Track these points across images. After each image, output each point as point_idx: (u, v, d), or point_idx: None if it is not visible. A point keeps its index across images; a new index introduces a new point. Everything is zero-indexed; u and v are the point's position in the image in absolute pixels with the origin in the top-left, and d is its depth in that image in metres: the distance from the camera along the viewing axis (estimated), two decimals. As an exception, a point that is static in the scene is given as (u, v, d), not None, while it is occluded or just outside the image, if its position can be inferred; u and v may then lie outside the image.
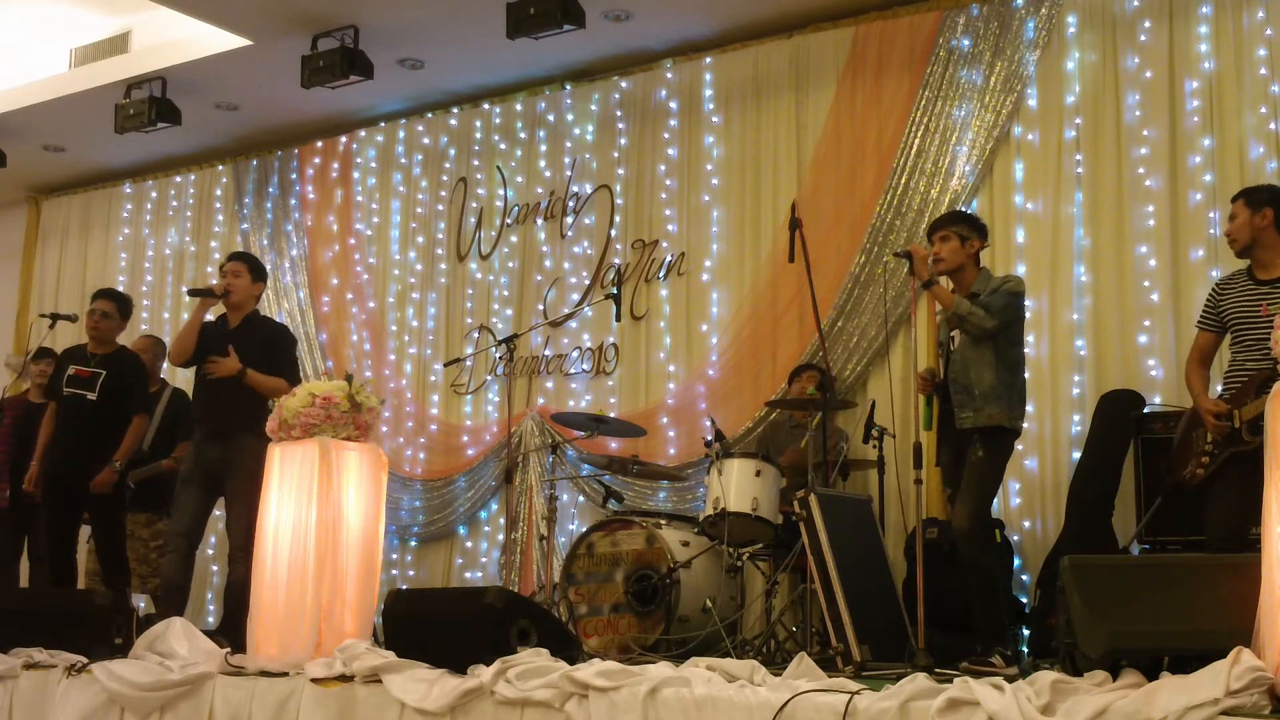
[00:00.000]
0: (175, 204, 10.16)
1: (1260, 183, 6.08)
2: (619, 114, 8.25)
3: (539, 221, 8.47)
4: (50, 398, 6.91)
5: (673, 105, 8.05)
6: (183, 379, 7.78)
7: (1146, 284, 6.38)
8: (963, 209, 6.48)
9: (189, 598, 6.32)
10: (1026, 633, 6.09)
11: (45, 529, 6.82)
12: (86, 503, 6.66)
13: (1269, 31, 6.28)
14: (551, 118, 8.52)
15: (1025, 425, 5.37)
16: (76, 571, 7.04)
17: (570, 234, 8.32)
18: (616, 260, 8.11)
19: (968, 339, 5.19)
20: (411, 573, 8.53)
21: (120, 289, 10.19)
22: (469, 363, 8.49)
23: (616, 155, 8.23)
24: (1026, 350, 5.50)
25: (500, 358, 8.17)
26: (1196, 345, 5.13)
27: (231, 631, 5.70)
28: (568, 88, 8.46)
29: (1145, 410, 6.07)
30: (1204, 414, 4.87)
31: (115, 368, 6.69)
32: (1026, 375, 5.37)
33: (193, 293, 6.31)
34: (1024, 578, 6.42)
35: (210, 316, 6.42)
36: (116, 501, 6.73)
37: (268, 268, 9.33)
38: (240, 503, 6.01)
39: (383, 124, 9.18)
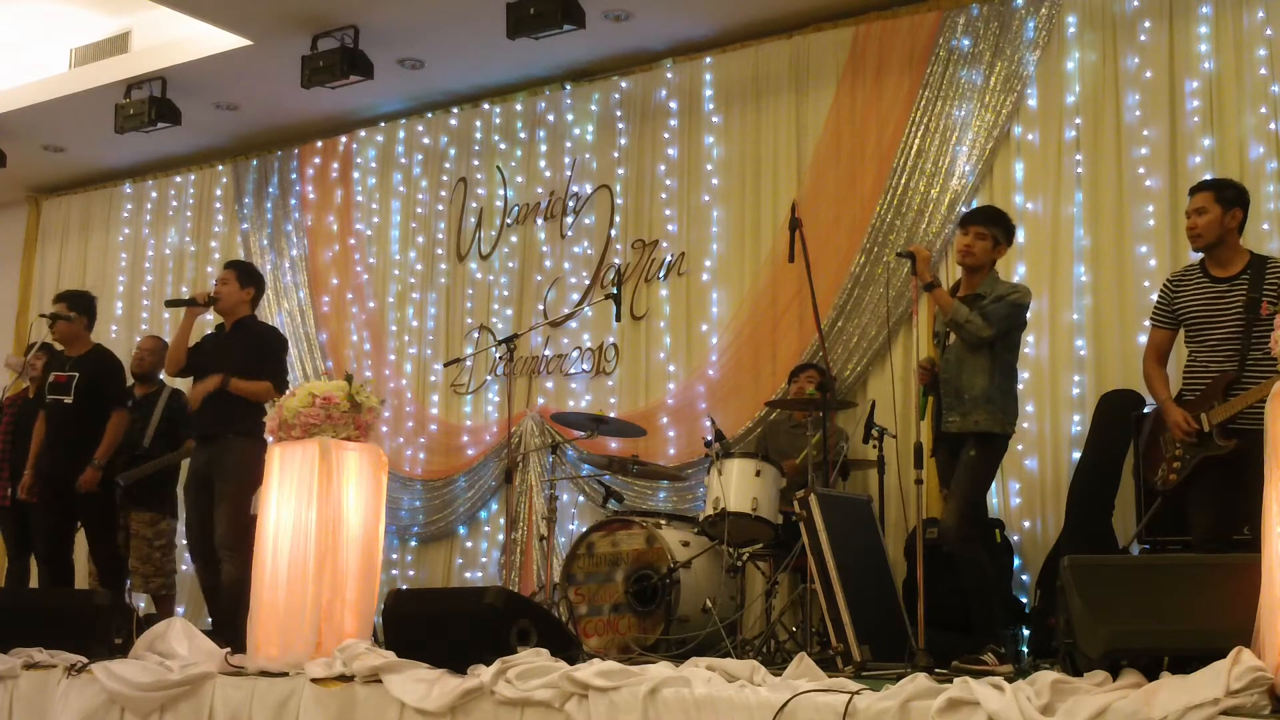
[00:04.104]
0: (175, 204, 10.16)
1: (1260, 183, 6.11)
2: (619, 114, 8.24)
3: (539, 221, 8.46)
4: (38, 405, 6.96)
5: (673, 105, 8.04)
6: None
7: (1146, 284, 6.36)
8: (970, 207, 6.46)
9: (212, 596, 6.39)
10: (1026, 633, 6.09)
11: (41, 531, 6.83)
12: (77, 504, 6.70)
13: (1269, 31, 6.27)
14: (551, 118, 8.51)
15: (1025, 425, 5.36)
16: (73, 572, 7.06)
17: (570, 234, 8.32)
18: (616, 260, 8.10)
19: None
20: (411, 573, 8.53)
21: (119, 289, 10.24)
22: (469, 363, 8.49)
23: (616, 155, 8.22)
24: (1026, 350, 5.49)
25: (500, 358, 8.16)
26: (1152, 343, 5.07)
27: (227, 631, 5.70)
28: (568, 88, 8.46)
29: (1145, 410, 6.05)
30: (1173, 427, 4.80)
31: (87, 368, 6.77)
32: (1025, 375, 5.37)
33: (170, 304, 6.37)
34: (1024, 578, 6.41)
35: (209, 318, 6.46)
36: (105, 501, 6.77)
37: (268, 268, 9.41)
38: (226, 503, 6.06)
39: (383, 124, 9.18)
